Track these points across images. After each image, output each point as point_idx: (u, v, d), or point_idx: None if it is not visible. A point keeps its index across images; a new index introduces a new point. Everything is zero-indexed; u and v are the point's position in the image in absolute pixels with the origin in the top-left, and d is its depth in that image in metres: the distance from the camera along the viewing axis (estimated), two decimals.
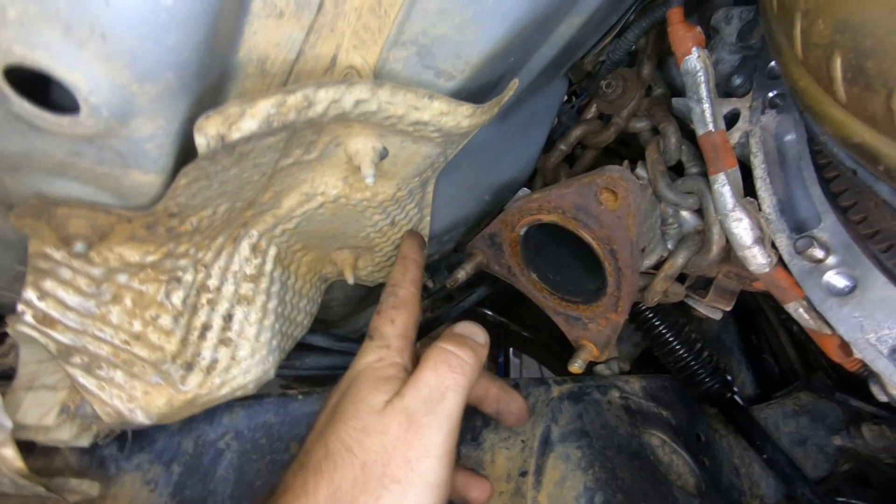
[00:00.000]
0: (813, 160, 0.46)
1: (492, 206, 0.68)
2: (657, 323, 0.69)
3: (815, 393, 0.72)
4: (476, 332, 0.42)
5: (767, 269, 0.47)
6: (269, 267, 0.46)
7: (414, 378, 0.38)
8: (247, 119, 0.27)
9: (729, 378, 0.75)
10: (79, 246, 0.30)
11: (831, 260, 0.43)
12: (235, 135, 0.27)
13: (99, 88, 0.23)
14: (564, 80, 0.66)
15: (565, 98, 0.69)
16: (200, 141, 0.26)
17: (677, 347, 0.69)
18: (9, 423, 0.33)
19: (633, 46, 0.61)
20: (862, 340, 0.41)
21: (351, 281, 0.54)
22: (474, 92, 0.42)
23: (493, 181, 0.64)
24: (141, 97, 0.24)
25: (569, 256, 0.60)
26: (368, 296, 0.71)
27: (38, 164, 0.27)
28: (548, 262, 0.61)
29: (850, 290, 0.43)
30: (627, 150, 0.71)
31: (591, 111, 0.64)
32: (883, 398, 0.45)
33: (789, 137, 0.50)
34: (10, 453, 0.33)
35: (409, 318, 0.44)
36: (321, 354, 0.61)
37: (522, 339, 1.13)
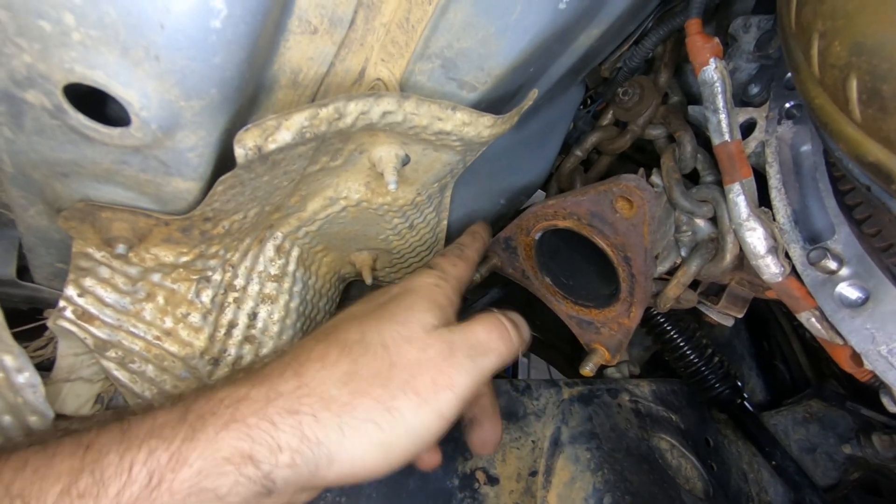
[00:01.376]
0: (828, 172, 0.47)
1: (507, 210, 0.70)
2: (668, 328, 0.70)
3: (825, 401, 0.72)
4: (525, 328, 0.44)
5: (780, 279, 0.48)
6: (291, 267, 0.48)
7: (467, 325, 0.39)
8: (282, 131, 0.29)
9: (739, 384, 0.76)
10: (120, 247, 0.32)
11: (844, 271, 0.44)
12: (271, 146, 0.29)
13: (150, 104, 0.24)
14: (581, 86, 0.66)
15: (581, 104, 0.70)
16: (239, 152, 0.28)
17: (688, 352, 0.70)
18: (51, 413, 0.35)
19: (651, 54, 0.62)
20: (873, 352, 0.42)
21: (369, 281, 0.56)
22: (494, 101, 0.43)
23: (509, 185, 0.65)
24: (186, 111, 0.26)
25: (582, 262, 0.61)
26: None
27: (86, 171, 0.29)
28: (561, 266, 0.62)
29: (863, 302, 0.43)
30: (642, 155, 0.72)
31: (608, 118, 0.65)
32: (893, 409, 0.46)
33: (805, 148, 0.50)
34: None
35: (466, 272, 0.46)
36: None
37: (532, 339, 1.14)
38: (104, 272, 0.36)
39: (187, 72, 0.24)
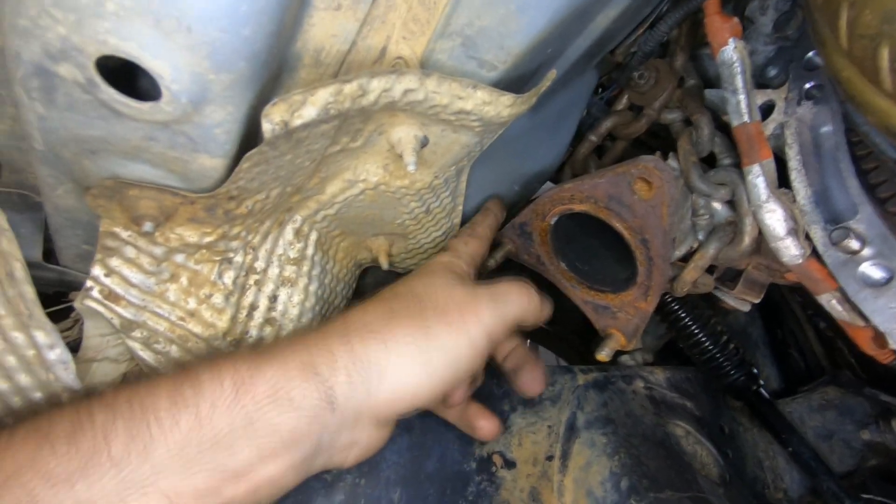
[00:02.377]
0: (850, 152, 0.46)
1: (520, 196, 0.69)
2: (683, 315, 0.70)
3: (842, 387, 0.72)
4: (547, 298, 0.49)
5: (801, 261, 0.48)
6: (310, 251, 0.48)
7: (487, 282, 0.44)
8: (308, 106, 0.29)
9: (755, 371, 0.75)
10: (147, 225, 0.32)
11: (867, 251, 0.44)
12: (297, 122, 0.29)
13: (181, 77, 0.25)
14: (595, 71, 0.66)
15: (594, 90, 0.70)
16: (266, 127, 0.28)
17: (703, 339, 0.70)
18: (80, 387, 0.35)
19: (666, 37, 0.62)
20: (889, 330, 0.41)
21: (385, 266, 0.56)
22: (513, 82, 0.43)
23: (524, 171, 0.65)
24: (216, 85, 0.26)
25: (598, 246, 0.61)
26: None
27: (115, 148, 0.29)
28: (577, 251, 0.62)
29: (887, 282, 0.43)
30: (657, 140, 0.71)
31: (622, 102, 0.65)
32: None
33: (826, 129, 0.50)
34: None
35: (479, 248, 0.51)
36: None
37: (541, 331, 1.14)
38: (130, 252, 0.36)
39: (218, 44, 0.24)
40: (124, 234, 0.35)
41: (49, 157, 0.30)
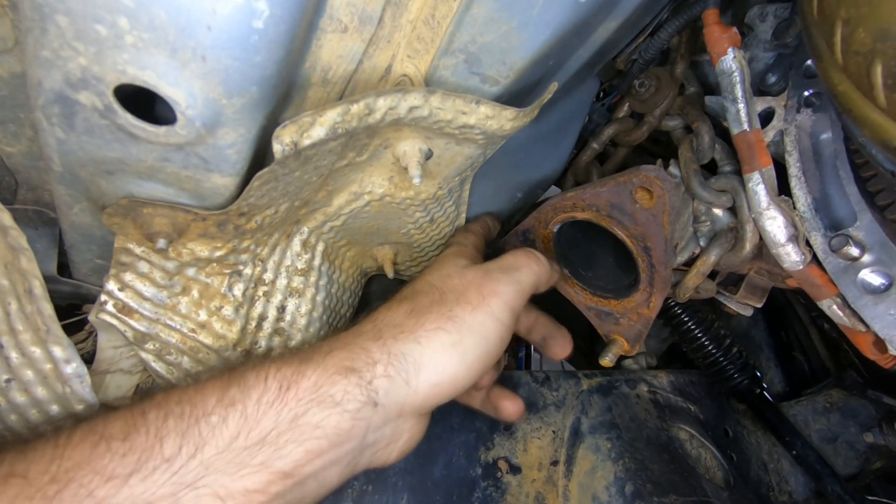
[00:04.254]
0: (849, 159, 0.47)
1: (523, 203, 0.70)
2: (686, 319, 0.70)
3: (846, 390, 0.72)
4: (553, 263, 0.52)
5: (801, 267, 0.48)
6: (317, 262, 0.49)
7: (497, 258, 0.46)
8: (317, 127, 0.30)
9: (758, 374, 0.76)
10: (161, 242, 0.33)
11: (867, 258, 0.44)
12: (306, 141, 0.30)
13: (195, 102, 0.26)
14: (596, 79, 0.67)
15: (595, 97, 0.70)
16: (277, 147, 0.29)
17: (706, 343, 0.70)
18: (96, 402, 0.37)
19: (666, 45, 0.62)
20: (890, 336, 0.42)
21: (391, 275, 0.57)
22: (515, 95, 0.44)
23: (526, 179, 0.66)
24: (228, 109, 0.27)
25: (601, 252, 0.62)
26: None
27: (130, 169, 0.30)
28: (580, 258, 0.62)
29: (886, 288, 0.44)
30: (658, 147, 0.72)
31: (624, 110, 0.66)
32: None
33: (825, 136, 0.50)
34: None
35: (478, 238, 0.55)
36: None
37: None
38: (143, 267, 0.37)
39: (230, 71, 0.25)
40: (138, 249, 0.36)
41: (67, 177, 0.31)
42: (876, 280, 0.44)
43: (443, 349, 0.37)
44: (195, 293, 0.40)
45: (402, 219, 0.52)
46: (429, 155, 0.43)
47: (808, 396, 0.77)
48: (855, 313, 0.46)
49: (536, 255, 0.48)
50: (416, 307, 0.40)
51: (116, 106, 0.26)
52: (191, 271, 0.39)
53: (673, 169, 0.57)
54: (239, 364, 0.35)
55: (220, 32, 0.23)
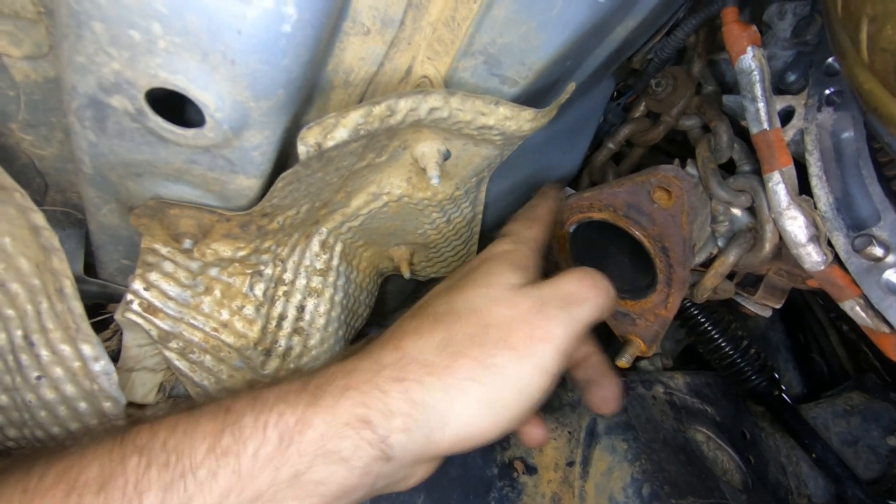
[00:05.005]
0: (872, 158, 0.46)
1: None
2: (703, 319, 0.70)
3: (867, 393, 0.71)
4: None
5: (823, 267, 0.48)
6: (335, 262, 0.49)
7: (555, 279, 0.38)
8: (340, 129, 0.30)
9: (776, 376, 0.75)
10: (187, 242, 0.34)
11: (891, 258, 0.44)
12: (330, 143, 0.30)
13: (224, 105, 0.26)
14: (612, 78, 0.67)
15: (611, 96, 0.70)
16: (302, 149, 0.29)
17: (723, 344, 0.70)
18: (123, 399, 0.37)
19: (683, 44, 0.62)
20: None
21: (407, 275, 0.58)
22: (533, 95, 0.44)
23: (542, 179, 0.66)
24: (255, 111, 0.27)
25: (617, 253, 0.61)
26: (418, 289, 0.74)
27: (158, 171, 0.31)
28: (595, 258, 0.62)
29: None
30: (674, 146, 0.72)
31: (640, 109, 0.65)
32: None
33: (847, 135, 0.50)
34: (124, 425, 0.38)
35: (541, 231, 0.46)
36: None
37: None
38: (168, 267, 0.38)
39: (258, 74, 0.25)
40: (164, 250, 0.37)
41: (97, 179, 0.32)
42: None
43: (475, 405, 0.32)
44: (218, 293, 0.41)
45: (418, 219, 0.52)
46: (447, 156, 0.43)
47: (827, 399, 0.76)
48: (879, 314, 0.45)
49: (601, 281, 0.40)
50: (450, 339, 0.34)
51: (147, 109, 0.26)
52: (214, 271, 0.40)
53: (690, 169, 0.57)
54: (237, 396, 0.31)
55: (249, 37, 0.24)
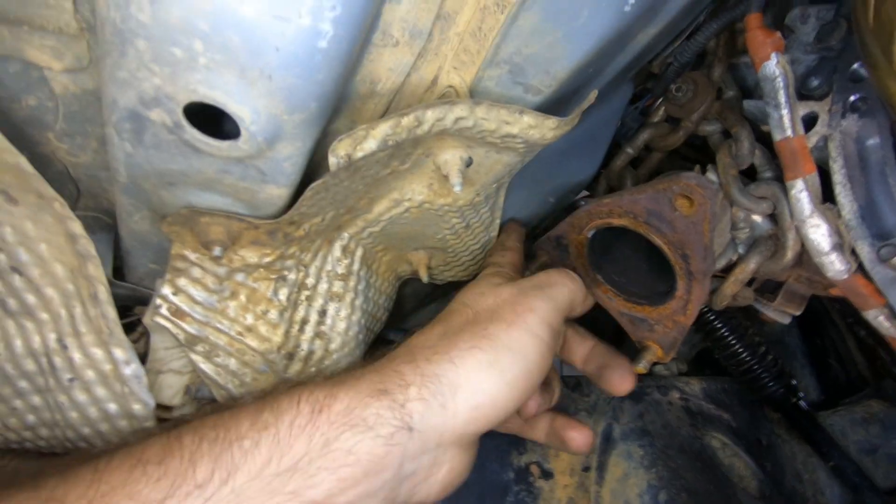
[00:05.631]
0: None
1: (555, 207, 0.70)
2: (719, 325, 0.69)
3: (887, 401, 0.71)
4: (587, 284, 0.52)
5: (846, 276, 0.47)
6: (356, 266, 0.50)
7: (532, 276, 0.46)
8: (369, 140, 0.31)
9: (794, 383, 0.74)
10: (217, 250, 0.35)
11: None
12: (359, 154, 0.31)
13: (259, 119, 0.27)
14: (630, 83, 0.67)
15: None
16: (332, 161, 0.30)
17: (740, 350, 0.69)
18: (152, 402, 0.38)
19: (703, 48, 0.62)
20: None
21: (425, 279, 0.58)
22: (555, 102, 0.44)
23: (559, 183, 0.66)
24: (289, 125, 0.28)
25: (635, 258, 0.61)
26: (434, 292, 0.74)
27: (191, 180, 0.32)
28: (613, 263, 0.62)
29: None
30: (693, 150, 0.71)
31: (659, 114, 0.65)
32: None
33: (872, 142, 0.49)
34: (153, 427, 0.39)
35: (515, 256, 0.54)
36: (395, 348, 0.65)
37: None
38: (196, 272, 0.39)
39: (294, 88, 0.26)
40: (193, 256, 0.38)
41: (131, 188, 0.33)
42: None
43: (479, 368, 0.36)
44: (243, 297, 0.42)
45: (438, 224, 0.52)
46: (469, 163, 0.44)
47: (845, 406, 0.75)
48: None
49: (571, 273, 0.48)
50: (448, 328, 0.39)
51: (185, 123, 0.27)
52: (240, 276, 0.41)
53: (710, 174, 0.57)
54: (273, 388, 0.36)
55: (287, 53, 0.25)
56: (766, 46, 0.49)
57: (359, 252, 0.50)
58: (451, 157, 0.42)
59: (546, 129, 0.40)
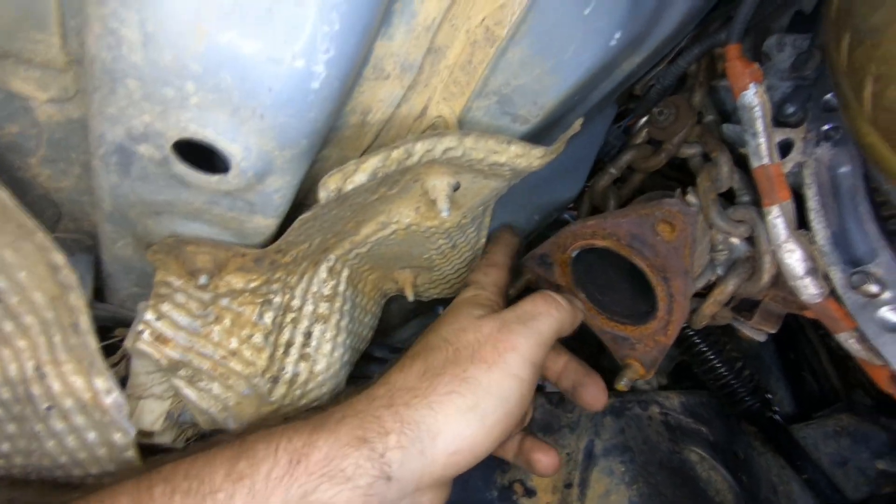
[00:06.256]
0: (869, 196, 0.48)
1: (540, 224, 0.72)
2: (698, 341, 0.71)
3: (858, 415, 0.73)
4: (576, 301, 0.50)
5: (819, 300, 0.49)
6: (342, 287, 0.50)
7: (512, 305, 0.44)
8: (359, 174, 0.31)
9: (769, 397, 0.77)
10: (203, 278, 0.35)
11: (887, 295, 0.45)
12: (349, 186, 0.31)
13: (250, 155, 0.27)
14: (613, 105, 0.68)
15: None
16: (322, 195, 0.30)
17: (718, 366, 0.71)
18: (133, 430, 0.38)
19: (684, 71, 0.64)
20: None
21: (411, 298, 0.59)
22: (542, 130, 0.45)
23: (544, 203, 0.67)
24: (279, 160, 0.28)
25: (618, 278, 0.63)
26: (419, 307, 0.75)
27: (177, 211, 0.32)
28: (596, 282, 0.64)
29: None
30: (675, 171, 0.73)
31: (642, 136, 0.67)
32: None
33: (844, 170, 0.52)
34: (132, 455, 0.38)
35: (499, 274, 0.52)
36: (380, 364, 0.65)
37: None
38: (180, 298, 0.38)
39: (285, 127, 0.26)
40: (177, 282, 0.37)
41: (115, 216, 0.33)
42: (895, 318, 0.45)
43: (458, 414, 0.35)
44: (228, 322, 0.42)
45: (425, 245, 0.53)
46: (456, 187, 0.45)
47: (818, 420, 0.78)
48: (873, 348, 0.47)
49: (557, 299, 0.46)
50: (428, 367, 0.38)
51: (174, 157, 0.27)
52: (225, 301, 0.41)
53: (691, 197, 0.59)
54: (251, 423, 0.35)
55: (280, 94, 0.25)
56: (745, 77, 0.50)
57: (345, 273, 0.51)
58: (439, 182, 0.42)
59: (533, 157, 0.41)
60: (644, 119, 0.69)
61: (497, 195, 0.51)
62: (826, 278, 0.50)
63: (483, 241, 0.61)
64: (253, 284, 0.40)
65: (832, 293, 0.49)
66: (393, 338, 0.80)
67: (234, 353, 0.43)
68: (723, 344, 0.74)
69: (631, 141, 0.68)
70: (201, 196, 0.30)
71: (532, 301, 0.45)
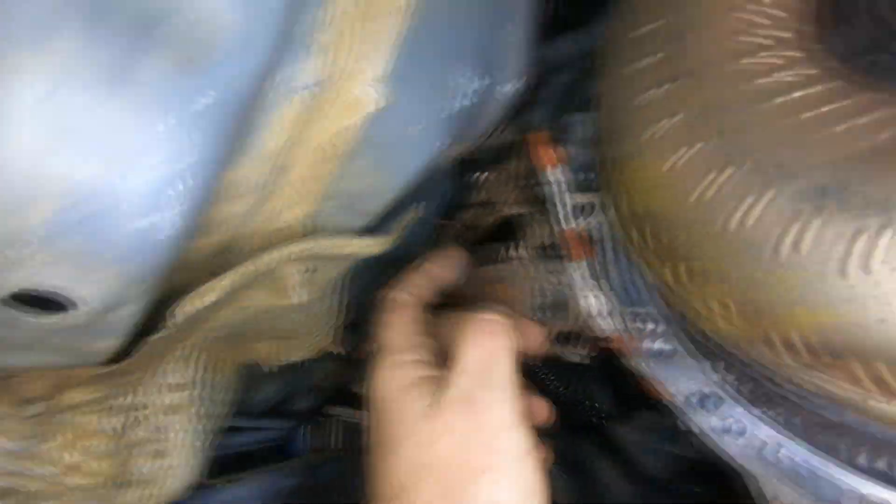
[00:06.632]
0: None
1: (395, 274, 0.79)
2: (538, 370, 0.85)
3: (658, 411, 0.93)
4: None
5: (610, 334, 0.65)
6: (197, 373, 0.51)
7: (453, 363, 0.35)
8: (209, 294, 0.34)
9: (597, 405, 0.93)
10: (36, 407, 0.34)
11: (656, 328, 0.62)
12: (200, 307, 0.34)
13: (96, 297, 0.29)
14: (452, 167, 0.79)
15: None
16: (171, 322, 0.33)
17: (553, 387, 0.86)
18: None
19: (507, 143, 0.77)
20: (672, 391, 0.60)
21: (273, 368, 0.61)
22: (385, 217, 0.52)
23: (401, 254, 0.75)
24: (131, 292, 0.30)
25: None
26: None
27: (7, 344, 0.31)
28: None
29: (672, 354, 0.61)
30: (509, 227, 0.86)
31: (480, 196, 0.79)
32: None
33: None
34: None
35: (407, 317, 0.43)
36: (241, 433, 0.66)
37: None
38: (11, 422, 0.37)
39: (135, 271, 0.29)
40: (9, 410, 0.36)
41: None
42: (664, 346, 0.62)
43: None
44: (68, 435, 0.40)
45: (283, 318, 0.56)
46: (310, 271, 0.49)
47: (635, 418, 0.97)
48: (646, 369, 0.63)
49: (492, 321, 0.38)
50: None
51: (10, 307, 0.27)
52: (64, 416, 0.39)
53: (521, 250, 0.71)
54: None
55: (128, 247, 0.27)
56: (545, 159, 0.64)
57: (201, 357, 0.51)
58: (289, 271, 0.46)
59: (378, 246, 0.48)
60: (483, 176, 0.81)
61: (353, 267, 0.57)
62: (615, 317, 0.65)
63: (345, 301, 0.66)
64: (96, 395, 0.40)
65: (620, 329, 0.65)
66: (255, 398, 0.80)
67: (74, 468, 0.41)
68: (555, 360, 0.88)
69: (468, 200, 0.80)
70: (39, 331, 0.30)
71: (473, 344, 0.36)
